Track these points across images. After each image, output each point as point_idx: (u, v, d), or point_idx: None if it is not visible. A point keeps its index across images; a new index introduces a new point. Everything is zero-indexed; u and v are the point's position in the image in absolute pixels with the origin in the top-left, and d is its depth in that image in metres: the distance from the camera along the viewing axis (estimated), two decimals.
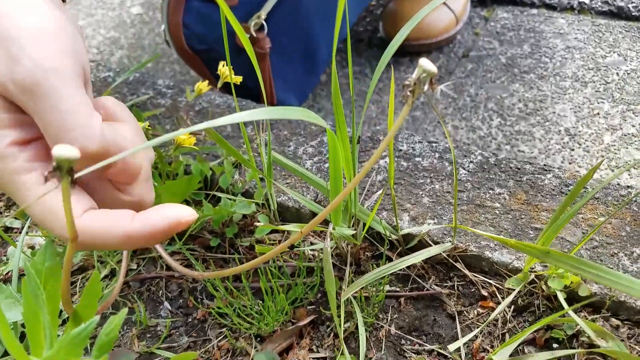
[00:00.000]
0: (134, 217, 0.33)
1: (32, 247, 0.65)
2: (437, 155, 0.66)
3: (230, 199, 0.62)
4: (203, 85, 0.64)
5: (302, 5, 0.85)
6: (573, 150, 0.88)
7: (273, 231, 0.63)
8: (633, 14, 1.15)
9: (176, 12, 0.79)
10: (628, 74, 1.01)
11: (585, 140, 0.89)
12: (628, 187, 0.58)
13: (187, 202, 0.65)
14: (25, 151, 0.33)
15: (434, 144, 0.68)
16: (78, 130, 0.32)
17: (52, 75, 0.32)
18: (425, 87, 0.27)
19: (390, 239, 0.57)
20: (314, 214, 0.63)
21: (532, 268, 0.50)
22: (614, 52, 1.07)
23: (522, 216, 0.56)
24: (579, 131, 0.91)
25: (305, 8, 0.85)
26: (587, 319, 0.47)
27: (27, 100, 0.32)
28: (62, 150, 0.27)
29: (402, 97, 0.27)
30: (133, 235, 0.33)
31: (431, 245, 0.54)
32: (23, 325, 0.54)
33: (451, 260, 0.54)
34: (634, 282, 0.33)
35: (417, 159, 0.66)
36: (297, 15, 0.85)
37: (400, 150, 0.68)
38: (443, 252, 0.53)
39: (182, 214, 0.33)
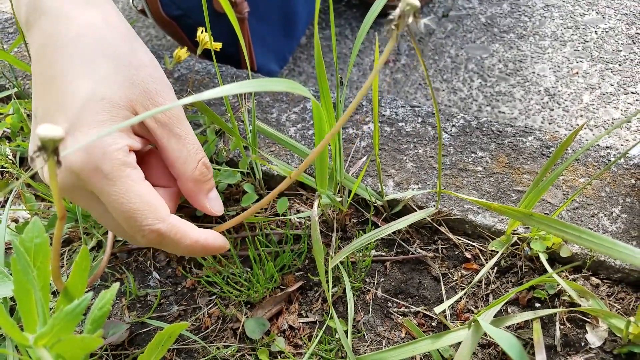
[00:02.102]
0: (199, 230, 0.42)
1: (15, 221, 0.64)
2: (419, 119, 0.66)
3: (214, 169, 0.62)
4: (182, 53, 0.63)
5: None
6: (553, 110, 0.89)
7: (259, 199, 0.63)
8: None
9: None
10: (606, 32, 1.02)
11: (565, 100, 0.90)
12: (607, 147, 0.59)
13: None
14: (134, 156, 0.40)
15: (416, 109, 0.68)
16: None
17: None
18: (410, 20, 0.27)
19: (375, 205, 0.58)
20: (299, 183, 0.63)
21: (515, 230, 0.51)
22: (592, 10, 1.07)
23: (505, 179, 0.57)
24: (559, 91, 0.92)
25: None
26: (568, 278, 0.49)
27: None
28: (47, 131, 0.27)
29: (387, 32, 0.27)
30: (195, 246, 0.41)
31: (416, 210, 0.55)
32: (12, 299, 0.53)
33: (435, 225, 0.55)
34: (614, 244, 0.34)
35: (400, 124, 0.66)
36: None
37: (384, 115, 0.68)
38: (427, 216, 0.54)
39: (225, 243, 0.44)
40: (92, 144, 0.37)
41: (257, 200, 0.63)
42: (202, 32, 0.62)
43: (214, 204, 0.46)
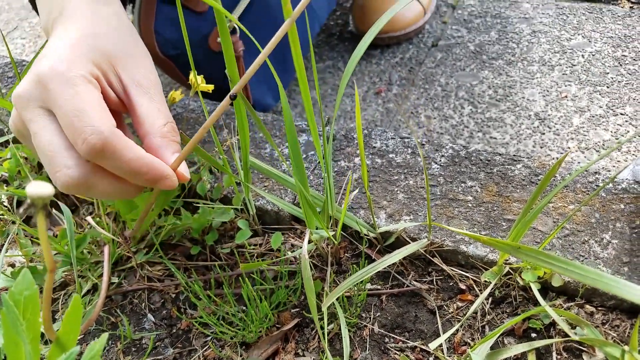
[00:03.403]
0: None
1: (12, 265, 0.64)
2: (409, 150, 0.67)
3: (208, 205, 0.62)
4: (176, 95, 0.64)
5: (272, 7, 0.84)
6: (544, 134, 0.90)
7: (253, 236, 0.63)
8: None
9: (148, 19, 0.78)
10: (593, 55, 1.03)
11: (555, 124, 0.91)
12: (595, 172, 0.59)
13: (165, 212, 0.65)
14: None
15: (406, 140, 0.69)
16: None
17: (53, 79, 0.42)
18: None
19: (368, 237, 0.58)
20: (293, 217, 0.64)
21: (507, 260, 0.51)
22: (579, 35, 1.09)
23: (495, 208, 0.57)
24: (549, 115, 0.93)
25: (275, 10, 0.85)
26: (562, 307, 0.49)
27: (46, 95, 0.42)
28: (36, 189, 0.28)
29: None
30: (139, 162, 0.42)
31: (409, 242, 0.55)
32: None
33: (429, 256, 0.55)
34: (600, 276, 0.35)
35: (390, 155, 0.67)
36: (267, 17, 0.85)
37: (374, 147, 0.69)
38: (420, 248, 0.54)
39: (172, 175, 0.44)
40: (63, 58, 0.43)
41: (252, 237, 0.64)
42: (194, 74, 0.64)
43: (177, 162, 0.46)
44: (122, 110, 0.49)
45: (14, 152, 0.70)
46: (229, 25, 0.82)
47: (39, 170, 0.72)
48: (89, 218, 0.58)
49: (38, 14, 0.58)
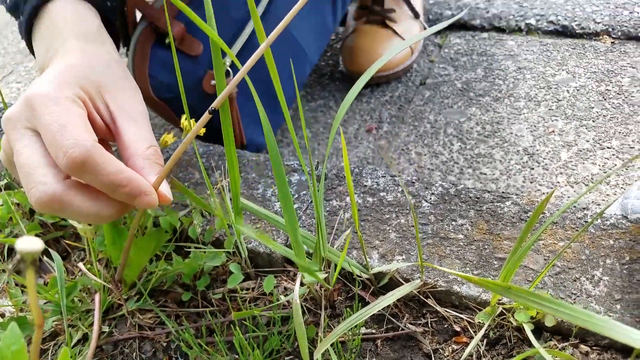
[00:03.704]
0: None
1: (2, 315, 0.64)
2: (400, 189, 0.67)
3: (200, 249, 0.62)
4: (169, 138, 0.65)
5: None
6: (533, 169, 0.91)
7: (246, 279, 0.63)
8: (577, 31, 1.21)
9: (142, 63, 0.80)
10: (578, 90, 1.06)
11: (544, 159, 0.93)
12: (584, 208, 0.60)
13: (157, 257, 0.64)
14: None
15: (396, 178, 0.69)
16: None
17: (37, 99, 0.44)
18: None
19: (361, 278, 0.58)
20: (285, 259, 0.64)
21: (500, 300, 0.51)
22: (563, 70, 1.11)
23: (486, 246, 0.57)
24: (537, 150, 0.95)
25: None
26: (557, 347, 0.48)
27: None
28: (26, 245, 0.28)
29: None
30: (119, 177, 0.43)
31: (402, 283, 0.55)
32: None
33: (422, 297, 0.55)
34: (590, 316, 0.35)
35: (381, 193, 0.67)
36: (260, 60, 0.87)
37: (365, 185, 0.69)
38: (414, 289, 0.54)
39: (153, 193, 0.45)
40: (51, 82, 0.46)
41: (244, 280, 0.63)
42: (185, 119, 0.65)
43: (159, 182, 0.47)
44: (108, 138, 0.51)
45: (6, 198, 0.70)
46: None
47: (30, 216, 0.72)
48: (80, 264, 0.58)
49: (34, 56, 0.61)
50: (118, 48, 0.72)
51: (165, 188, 0.47)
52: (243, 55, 0.86)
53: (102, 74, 0.51)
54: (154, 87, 0.84)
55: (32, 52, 0.63)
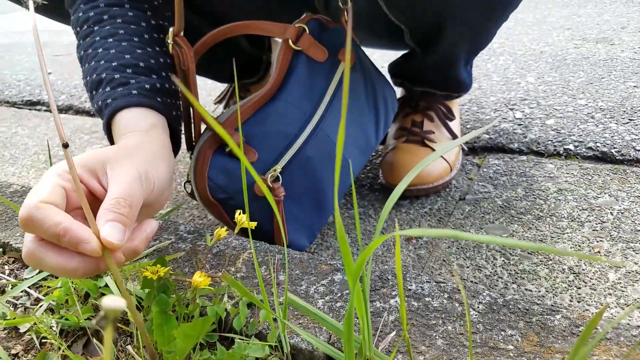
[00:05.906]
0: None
1: None
2: (446, 295, 0.67)
3: (243, 340, 0.62)
4: (222, 232, 0.69)
5: (312, 161, 0.94)
6: (580, 288, 0.89)
7: None
8: (617, 157, 1.24)
9: (203, 166, 0.87)
10: (622, 212, 1.06)
11: (591, 279, 0.91)
12: (638, 326, 0.58)
13: (201, 345, 0.65)
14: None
15: (441, 284, 0.70)
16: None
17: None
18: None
19: None
20: (327, 357, 0.63)
21: None
22: (605, 193, 1.13)
23: (537, 358, 0.56)
24: (583, 269, 0.93)
25: (314, 163, 0.95)
26: None
27: None
28: (111, 302, 0.31)
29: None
30: (57, 228, 0.49)
31: None
32: None
33: None
34: None
35: (427, 298, 0.67)
36: (307, 169, 0.94)
37: (410, 289, 0.70)
38: None
39: (97, 247, 0.50)
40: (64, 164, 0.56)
41: None
42: (239, 213, 0.69)
43: (107, 228, 0.51)
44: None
45: (66, 281, 0.74)
46: (273, 174, 0.91)
47: (84, 300, 0.75)
48: (128, 347, 0.59)
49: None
50: (178, 151, 0.85)
51: (114, 235, 0.51)
52: (292, 163, 0.93)
53: (113, 152, 0.61)
54: (211, 188, 0.91)
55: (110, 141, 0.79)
